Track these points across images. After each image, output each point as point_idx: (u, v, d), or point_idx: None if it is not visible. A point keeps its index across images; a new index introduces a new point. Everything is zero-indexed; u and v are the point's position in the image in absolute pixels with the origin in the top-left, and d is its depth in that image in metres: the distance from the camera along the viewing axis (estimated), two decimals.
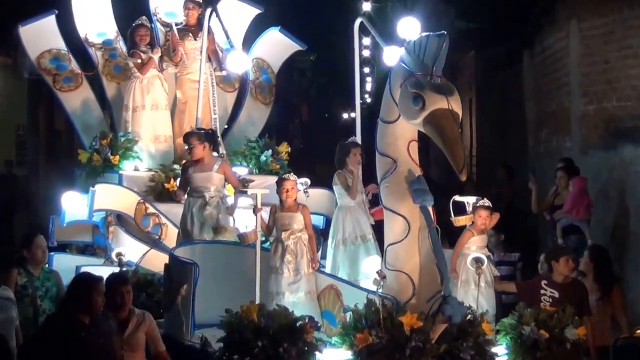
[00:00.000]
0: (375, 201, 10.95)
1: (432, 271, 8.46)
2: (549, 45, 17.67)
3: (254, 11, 14.16)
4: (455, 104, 8.22)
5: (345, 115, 51.57)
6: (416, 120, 8.27)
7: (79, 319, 7.31)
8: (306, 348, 8.09)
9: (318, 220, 12.21)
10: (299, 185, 11.63)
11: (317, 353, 8.16)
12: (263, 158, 12.98)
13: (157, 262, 11.10)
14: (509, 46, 20.57)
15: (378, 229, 10.38)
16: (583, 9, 15.45)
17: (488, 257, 9.66)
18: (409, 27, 8.95)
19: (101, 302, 7.45)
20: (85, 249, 12.77)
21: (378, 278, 8.33)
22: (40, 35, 13.51)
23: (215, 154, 11.46)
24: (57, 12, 13.49)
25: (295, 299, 9.31)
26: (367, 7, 44.10)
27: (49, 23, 13.49)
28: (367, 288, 8.91)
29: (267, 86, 14.28)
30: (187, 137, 11.28)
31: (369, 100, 40.86)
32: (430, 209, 8.58)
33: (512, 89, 21.01)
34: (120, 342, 7.79)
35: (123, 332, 8.03)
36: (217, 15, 12.63)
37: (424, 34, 8.52)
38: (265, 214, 11.80)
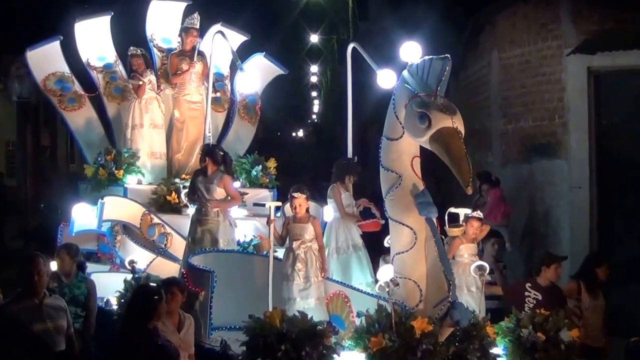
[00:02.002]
0: (366, 214, 10.52)
1: (439, 278, 7.97)
2: (473, 72, 17.94)
3: (241, 38, 13.61)
4: (459, 123, 7.83)
5: (293, 134, 51.27)
6: (422, 138, 7.86)
7: (147, 327, 6.95)
8: (325, 351, 7.56)
9: None
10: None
11: (334, 356, 7.61)
12: (254, 173, 12.45)
13: (162, 269, 10.51)
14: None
15: (367, 239, 10.19)
16: (503, 41, 15.72)
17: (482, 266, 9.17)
18: (411, 50, 8.40)
19: (164, 309, 7.17)
20: (89, 257, 11.98)
21: (392, 285, 7.78)
22: (45, 59, 12.91)
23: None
24: (62, 37, 12.90)
25: (306, 304, 8.74)
26: (314, 39, 44.09)
27: (53, 48, 12.91)
28: (374, 293, 8.32)
29: (253, 107, 13.77)
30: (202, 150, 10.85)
31: (316, 120, 40.73)
32: (434, 220, 8.14)
33: None
34: (179, 342, 7.67)
35: (179, 333, 7.85)
36: (225, 38, 12.05)
37: (426, 57, 8.09)
38: (258, 223, 11.35)
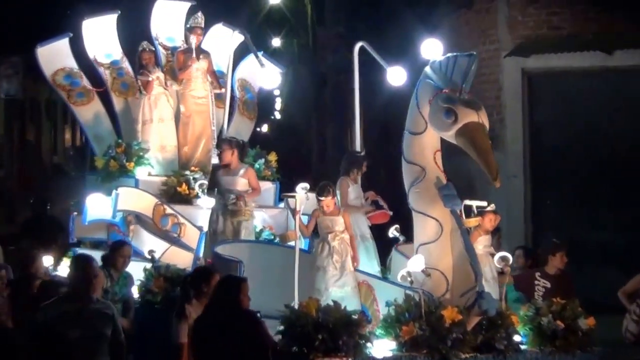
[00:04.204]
0: (374, 206, 10.13)
1: (465, 269, 7.60)
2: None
3: (240, 37, 13.07)
4: (484, 118, 7.57)
5: (258, 129, 50.57)
6: (448, 132, 7.57)
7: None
8: (361, 340, 7.14)
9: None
10: (299, 189, 10.69)
11: (368, 344, 7.17)
12: (257, 166, 11.88)
13: (175, 258, 10.05)
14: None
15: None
16: (448, 45, 15.55)
17: (492, 255, 8.77)
18: (432, 47, 8.05)
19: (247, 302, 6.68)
20: (99, 245, 11.39)
21: (425, 275, 7.40)
22: (55, 55, 12.29)
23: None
24: (71, 34, 12.32)
25: (343, 292, 8.27)
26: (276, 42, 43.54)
27: (63, 44, 12.31)
28: (400, 283, 7.88)
29: (251, 103, 13.25)
30: (219, 142, 10.41)
31: (279, 116, 40.21)
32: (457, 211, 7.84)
33: (392, 108, 20.89)
34: None
35: None
36: (245, 36, 11.57)
37: (450, 54, 7.75)
38: (265, 214, 10.88)
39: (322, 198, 8.55)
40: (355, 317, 7.19)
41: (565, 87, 13.83)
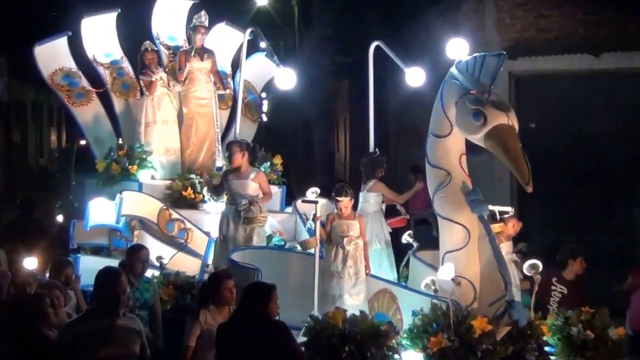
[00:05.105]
0: (389, 211, 9.91)
1: (494, 277, 7.34)
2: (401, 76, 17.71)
3: (242, 36, 12.76)
4: (514, 120, 7.33)
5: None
6: (477, 135, 7.28)
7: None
8: (389, 352, 6.88)
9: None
10: (309, 193, 10.44)
11: (396, 356, 6.91)
12: (262, 170, 11.49)
13: (182, 264, 9.67)
14: (375, 76, 20.14)
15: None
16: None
17: (515, 262, 8.52)
18: (457, 47, 7.77)
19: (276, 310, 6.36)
20: (99, 251, 11.02)
21: (454, 284, 7.11)
22: (53, 54, 11.87)
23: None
24: (70, 33, 11.92)
25: (356, 301, 8.00)
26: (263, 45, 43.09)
27: (61, 43, 11.88)
28: (425, 291, 7.59)
29: (254, 105, 12.91)
30: (229, 145, 10.00)
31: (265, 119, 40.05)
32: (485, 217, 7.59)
33: (379, 110, 20.81)
34: None
35: None
36: (261, 36, 11.26)
37: (478, 54, 7.49)
38: (273, 220, 10.54)
39: (340, 199, 8.25)
40: (383, 327, 6.92)
41: (553, 89, 13.73)
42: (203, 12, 11.83)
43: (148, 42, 11.91)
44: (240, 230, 9.24)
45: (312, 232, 9.69)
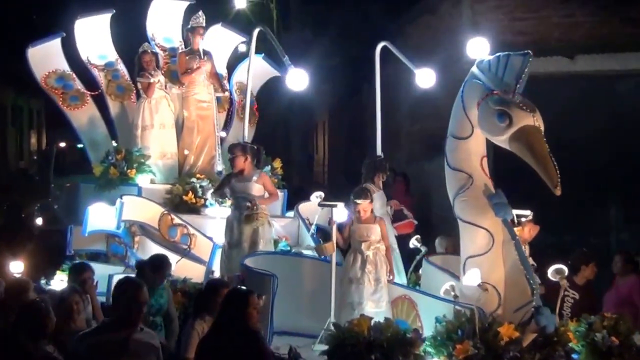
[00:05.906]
0: (397, 216, 9.67)
1: (519, 282, 7.15)
2: (383, 80, 17.46)
3: (239, 38, 12.54)
4: (540, 121, 7.09)
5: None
6: (501, 136, 7.07)
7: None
8: None
9: None
10: (314, 197, 10.21)
11: None
12: None
13: (185, 271, 9.36)
14: (354, 80, 20.41)
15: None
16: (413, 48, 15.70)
17: (533, 266, 8.28)
18: (478, 47, 7.54)
19: (256, 315, 5.88)
20: (97, 257, 10.69)
21: (481, 290, 6.89)
22: (46, 56, 11.57)
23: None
24: (64, 34, 11.57)
25: (378, 308, 7.73)
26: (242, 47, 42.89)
27: (55, 45, 11.58)
28: (446, 298, 7.34)
29: (250, 108, 12.48)
30: (231, 148, 9.79)
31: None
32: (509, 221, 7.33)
33: (356, 114, 21.30)
34: None
35: None
36: (270, 36, 10.86)
37: (501, 53, 7.30)
38: (277, 224, 10.28)
39: (360, 201, 8.00)
40: (409, 335, 6.69)
41: (529, 91, 13.56)
42: (200, 13, 11.59)
43: (146, 44, 11.67)
44: (246, 233, 8.98)
45: (315, 238, 9.51)
